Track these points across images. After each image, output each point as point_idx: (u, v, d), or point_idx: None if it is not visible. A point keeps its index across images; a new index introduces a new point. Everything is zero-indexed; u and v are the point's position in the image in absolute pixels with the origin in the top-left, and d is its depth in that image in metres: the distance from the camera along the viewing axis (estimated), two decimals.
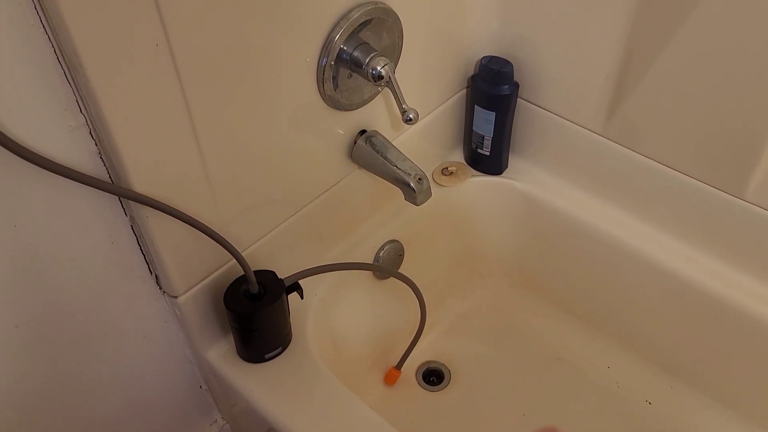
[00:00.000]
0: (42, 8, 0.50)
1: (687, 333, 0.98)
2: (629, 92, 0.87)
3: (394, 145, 0.85)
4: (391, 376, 1.05)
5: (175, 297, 0.74)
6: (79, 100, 0.56)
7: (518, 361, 1.11)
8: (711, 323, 0.94)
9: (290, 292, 0.78)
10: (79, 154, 0.59)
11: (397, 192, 0.85)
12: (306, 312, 0.86)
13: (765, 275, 0.89)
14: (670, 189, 0.91)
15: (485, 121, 0.99)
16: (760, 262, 0.88)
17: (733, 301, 0.90)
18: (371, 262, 0.97)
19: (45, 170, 0.56)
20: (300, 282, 0.78)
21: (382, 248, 0.97)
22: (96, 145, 0.60)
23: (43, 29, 0.52)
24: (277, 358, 0.80)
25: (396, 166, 0.82)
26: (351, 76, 0.77)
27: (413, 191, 0.82)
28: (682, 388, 1.03)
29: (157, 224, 0.66)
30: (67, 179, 0.58)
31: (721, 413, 1.00)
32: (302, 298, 0.80)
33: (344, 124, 0.82)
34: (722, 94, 0.79)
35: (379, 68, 0.74)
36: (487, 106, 0.98)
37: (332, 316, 0.92)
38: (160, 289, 0.75)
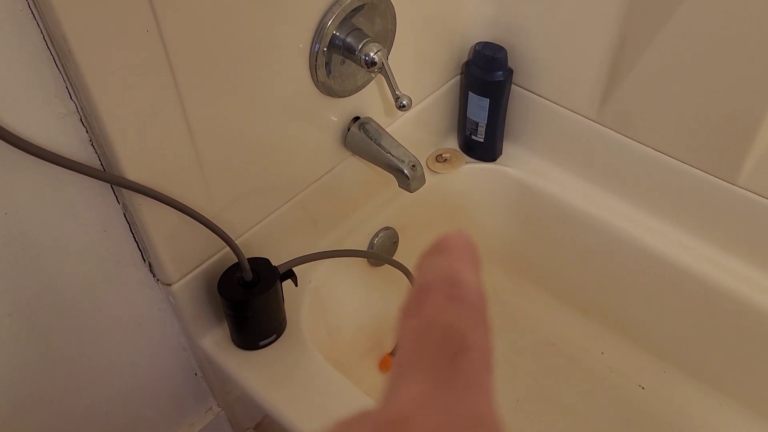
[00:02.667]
0: None
1: (680, 318, 0.98)
2: (623, 78, 0.87)
3: (387, 132, 0.84)
4: (386, 363, 1.06)
5: (169, 285, 0.74)
6: (69, 87, 0.56)
7: (512, 347, 1.11)
8: (704, 309, 0.94)
9: (284, 280, 0.78)
10: (70, 142, 0.59)
11: (392, 179, 0.85)
12: (300, 299, 0.86)
13: (757, 260, 0.89)
14: (664, 175, 0.91)
15: (479, 108, 0.99)
16: (753, 247, 0.89)
17: (726, 286, 0.90)
18: (366, 249, 0.97)
19: (35, 158, 0.56)
20: (294, 269, 0.78)
21: (376, 235, 0.97)
22: (87, 132, 0.59)
23: (31, 15, 0.51)
24: (271, 345, 0.80)
25: (390, 153, 0.82)
26: (344, 62, 0.76)
27: (407, 178, 0.82)
28: (675, 374, 1.04)
29: (149, 212, 0.66)
30: (58, 167, 0.58)
31: (713, 398, 1.01)
32: (296, 285, 0.80)
33: (337, 111, 0.81)
34: (715, 80, 0.79)
35: (372, 54, 0.73)
36: (481, 93, 0.97)
37: (327, 304, 0.92)
38: (153, 276, 0.75)
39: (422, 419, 0.17)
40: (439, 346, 0.19)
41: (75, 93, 0.56)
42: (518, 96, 1.00)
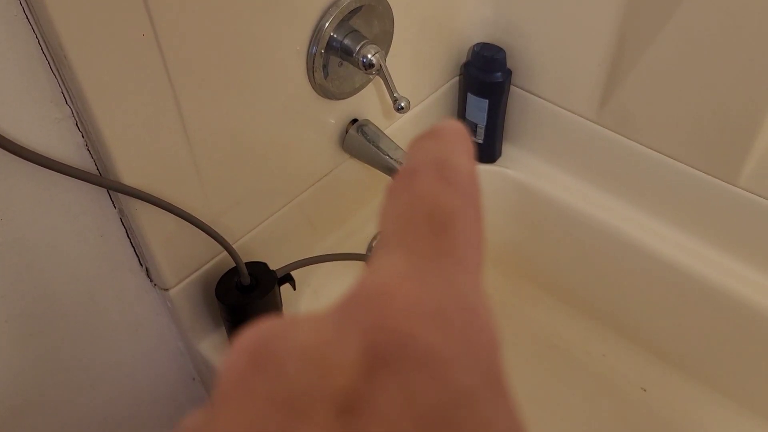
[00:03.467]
0: None
1: (681, 320, 0.98)
2: (622, 79, 0.87)
3: (386, 135, 0.84)
4: None
5: (166, 290, 0.73)
6: (65, 92, 0.55)
7: (512, 349, 1.11)
8: (705, 310, 0.94)
9: (282, 284, 0.77)
10: (66, 147, 0.58)
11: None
12: (298, 303, 0.85)
13: (758, 262, 0.89)
14: (664, 176, 0.91)
15: (478, 109, 0.99)
16: (753, 248, 0.88)
17: (727, 287, 0.90)
18: (364, 253, 0.97)
19: (31, 163, 0.55)
20: (292, 273, 0.78)
21: (375, 238, 0.97)
22: (83, 137, 0.59)
23: (26, 20, 0.51)
24: None
25: (388, 156, 0.82)
26: (341, 64, 0.76)
27: None
28: (677, 376, 1.04)
29: (146, 216, 0.65)
30: (53, 172, 0.57)
31: (715, 400, 1.00)
32: (294, 289, 0.80)
33: (335, 114, 0.81)
34: (715, 81, 0.79)
35: (369, 56, 0.73)
36: (480, 94, 0.97)
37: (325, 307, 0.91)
38: (150, 281, 0.74)
39: (402, 292, 0.16)
40: (425, 223, 0.18)
41: (70, 98, 0.56)
42: (517, 97, 1.00)
